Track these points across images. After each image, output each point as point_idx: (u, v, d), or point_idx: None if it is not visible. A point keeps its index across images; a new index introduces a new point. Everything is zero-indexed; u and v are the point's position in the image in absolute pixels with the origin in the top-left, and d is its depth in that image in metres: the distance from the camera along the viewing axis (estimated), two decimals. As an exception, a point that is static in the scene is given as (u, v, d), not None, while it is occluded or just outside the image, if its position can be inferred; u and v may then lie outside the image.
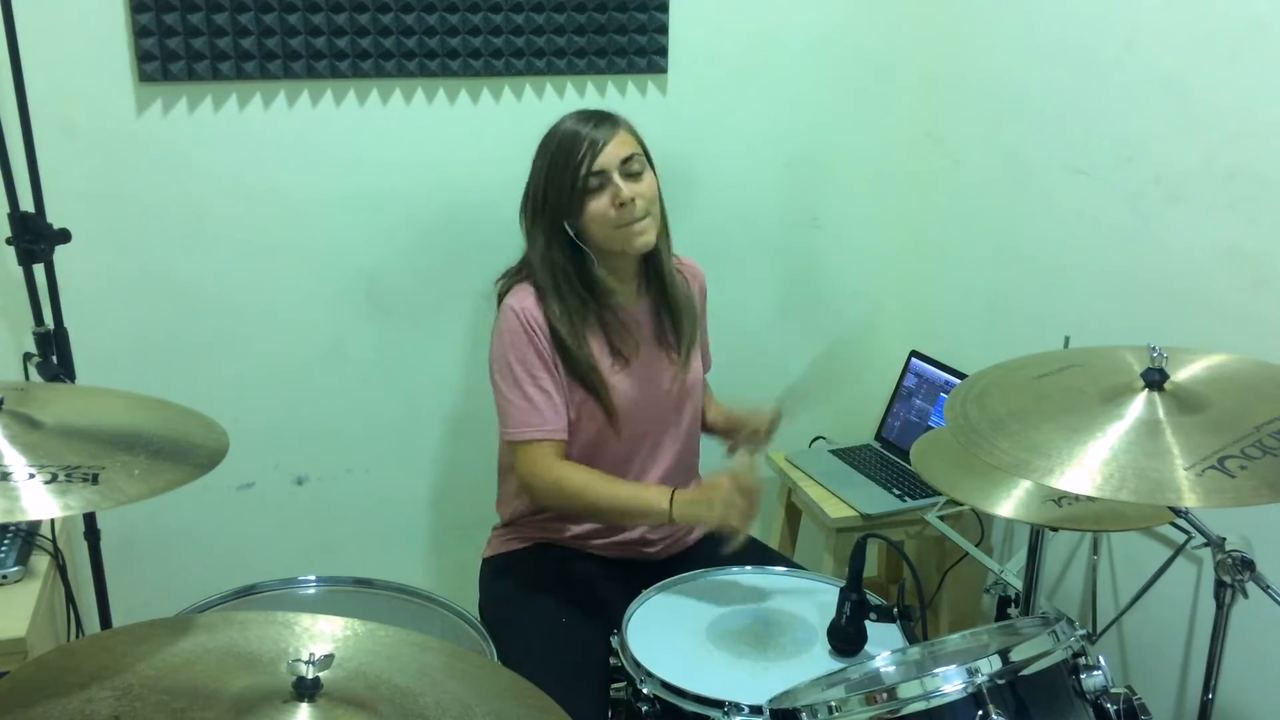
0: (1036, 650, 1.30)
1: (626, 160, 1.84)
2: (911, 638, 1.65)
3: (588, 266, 1.89)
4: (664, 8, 2.47)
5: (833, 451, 2.76)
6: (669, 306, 1.98)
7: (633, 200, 1.82)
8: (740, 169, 2.65)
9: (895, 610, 1.62)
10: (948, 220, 2.75)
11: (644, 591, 1.78)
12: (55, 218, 1.98)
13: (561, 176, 1.83)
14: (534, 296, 1.89)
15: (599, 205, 1.83)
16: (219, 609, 1.72)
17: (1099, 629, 2.29)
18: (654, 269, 1.97)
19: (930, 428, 2.60)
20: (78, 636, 2.05)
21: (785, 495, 2.73)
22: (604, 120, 1.86)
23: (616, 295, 1.94)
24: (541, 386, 1.85)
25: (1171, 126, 2.05)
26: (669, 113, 2.54)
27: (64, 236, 1.99)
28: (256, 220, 2.33)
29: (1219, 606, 1.46)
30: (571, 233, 1.86)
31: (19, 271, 1.97)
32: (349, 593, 1.82)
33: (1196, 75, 1.99)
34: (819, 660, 1.62)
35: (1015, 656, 1.28)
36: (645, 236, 1.87)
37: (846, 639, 1.62)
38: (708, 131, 2.59)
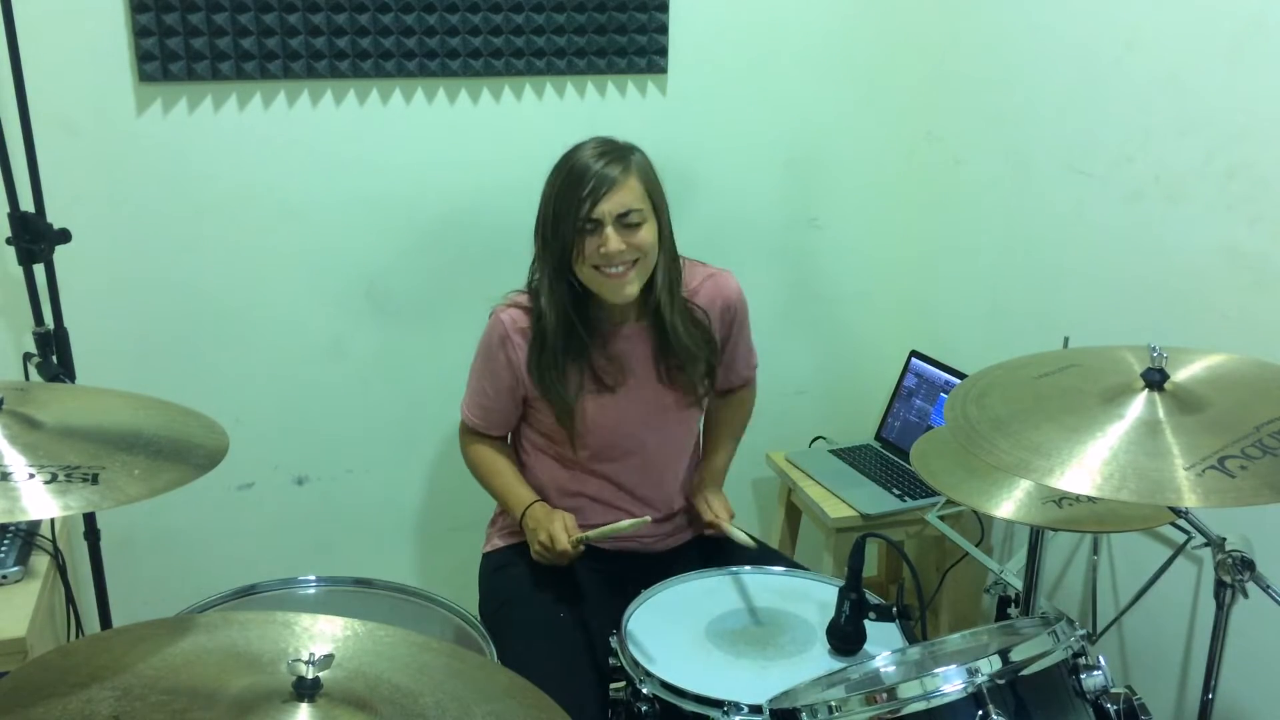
0: (1036, 650, 1.30)
1: (624, 214, 1.81)
2: (911, 638, 1.66)
3: (584, 298, 1.90)
4: (664, 8, 2.47)
5: (833, 451, 2.76)
6: (665, 345, 1.94)
7: (618, 253, 1.81)
8: (740, 169, 2.65)
9: (895, 610, 1.62)
10: (948, 220, 2.75)
11: (644, 591, 1.79)
12: (55, 218, 1.98)
13: (564, 212, 1.82)
14: (524, 310, 1.93)
15: (586, 249, 1.82)
16: (219, 609, 1.72)
17: (1099, 629, 2.29)
18: (653, 306, 1.92)
19: (930, 428, 2.60)
20: (78, 636, 2.05)
21: (785, 495, 2.73)
22: (618, 160, 1.82)
23: (610, 326, 1.94)
24: (486, 390, 1.98)
25: (1171, 126, 2.05)
26: (669, 113, 2.54)
27: (64, 236, 1.99)
28: (256, 220, 2.33)
29: (1219, 606, 1.46)
30: (570, 267, 1.86)
31: (19, 271, 1.97)
32: (349, 593, 1.82)
33: (1196, 75, 1.99)
34: (819, 660, 1.62)
35: (1015, 656, 1.28)
36: (626, 289, 1.85)
37: (846, 639, 1.62)
38: (707, 131, 2.59)
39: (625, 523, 1.82)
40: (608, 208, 1.80)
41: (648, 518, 1.84)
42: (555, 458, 2.01)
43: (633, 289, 1.86)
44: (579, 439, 1.94)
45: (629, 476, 2.01)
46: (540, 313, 1.89)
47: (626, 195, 1.81)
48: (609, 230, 1.80)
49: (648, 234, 1.84)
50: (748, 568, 1.88)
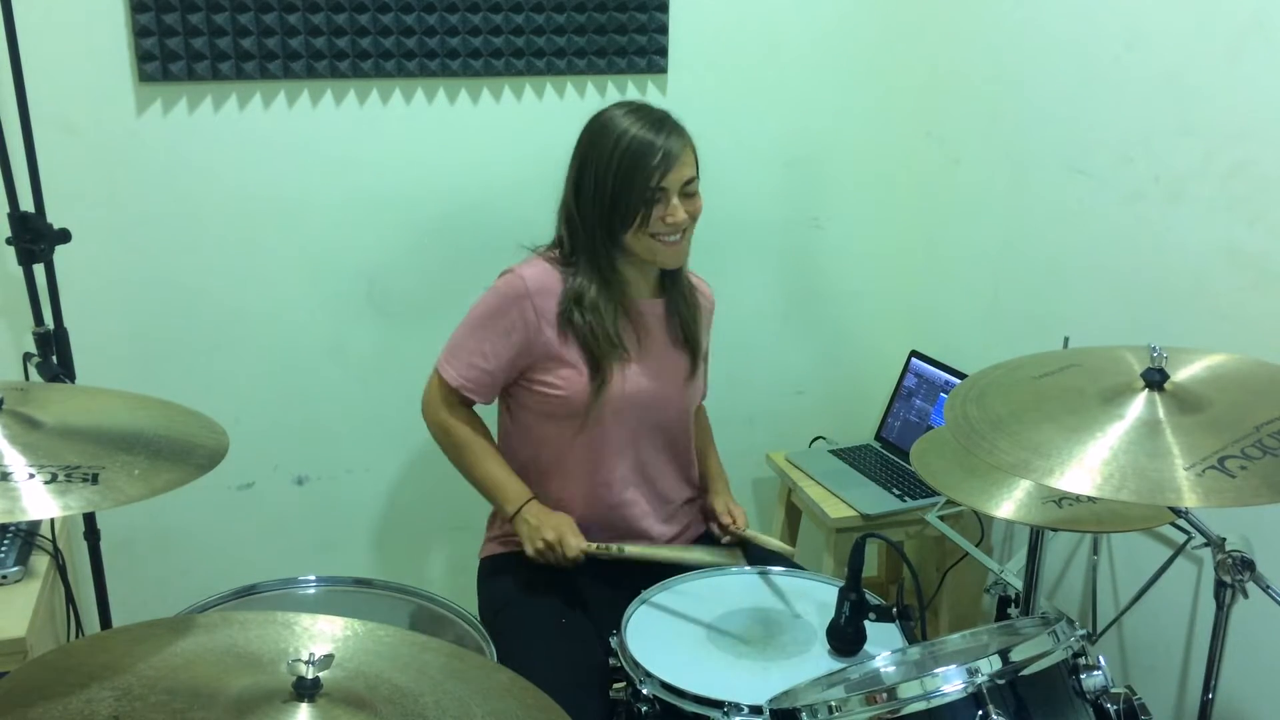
0: (1036, 650, 1.30)
1: (689, 181, 1.88)
2: (911, 638, 1.65)
3: (616, 260, 1.92)
4: (664, 8, 2.47)
5: (833, 451, 2.76)
6: (682, 310, 2.02)
7: (681, 222, 1.87)
8: (740, 169, 2.65)
9: (895, 610, 1.62)
10: (948, 220, 2.75)
11: (644, 591, 1.78)
12: (55, 218, 1.98)
13: (629, 183, 1.84)
14: (549, 269, 1.93)
15: (651, 218, 1.86)
16: (219, 609, 1.72)
17: (1099, 629, 2.29)
18: (672, 274, 2.00)
19: (930, 428, 2.60)
20: (78, 636, 2.05)
21: (785, 495, 2.73)
22: (675, 131, 1.88)
23: (635, 292, 1.97)
24: (485, 350, 1.92)
25: (1171, 126, 2.05)
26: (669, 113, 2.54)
27: (64, 236, 1.99)
28: (256, 220, 2.33)
29: (1219, 606, 1.46)
30: (617, 235, 1.88)
31: (19, 271, 1.97)
32: (349, 593, 1.82)
33: (1196, 75, 1.99)
34: (819, 660, 1.62)
35: (1015, 656, 1.28)
36: (677, 258, 1.93)
37: (846, 639, 1.62)
38: (708, 131, 2.54)
39: (696, 552, 1.89)
40: (674, 178, 1.86)
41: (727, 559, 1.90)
42: (562, 448, 1.97)
43: (682, 258, 1.95)
44: (605, 404, 1.91)
45: (641, 462, 2.00)
46: (580, 276, 1.91)
47: (687, 166, 1.88)
48: (675, 200, 1.86)
49: (700, 201, 1.92)
50: (748, 568, 1.88)
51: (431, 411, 2.01)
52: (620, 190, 1.85)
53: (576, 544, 1.84)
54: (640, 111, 1.89)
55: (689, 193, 1.89)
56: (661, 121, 1.88)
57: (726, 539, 2.05)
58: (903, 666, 1.46)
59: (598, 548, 1.84)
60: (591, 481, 1.98)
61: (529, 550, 1.88)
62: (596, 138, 1.89)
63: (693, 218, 1.90)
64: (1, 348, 2.21)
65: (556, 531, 1.85)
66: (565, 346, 1.91)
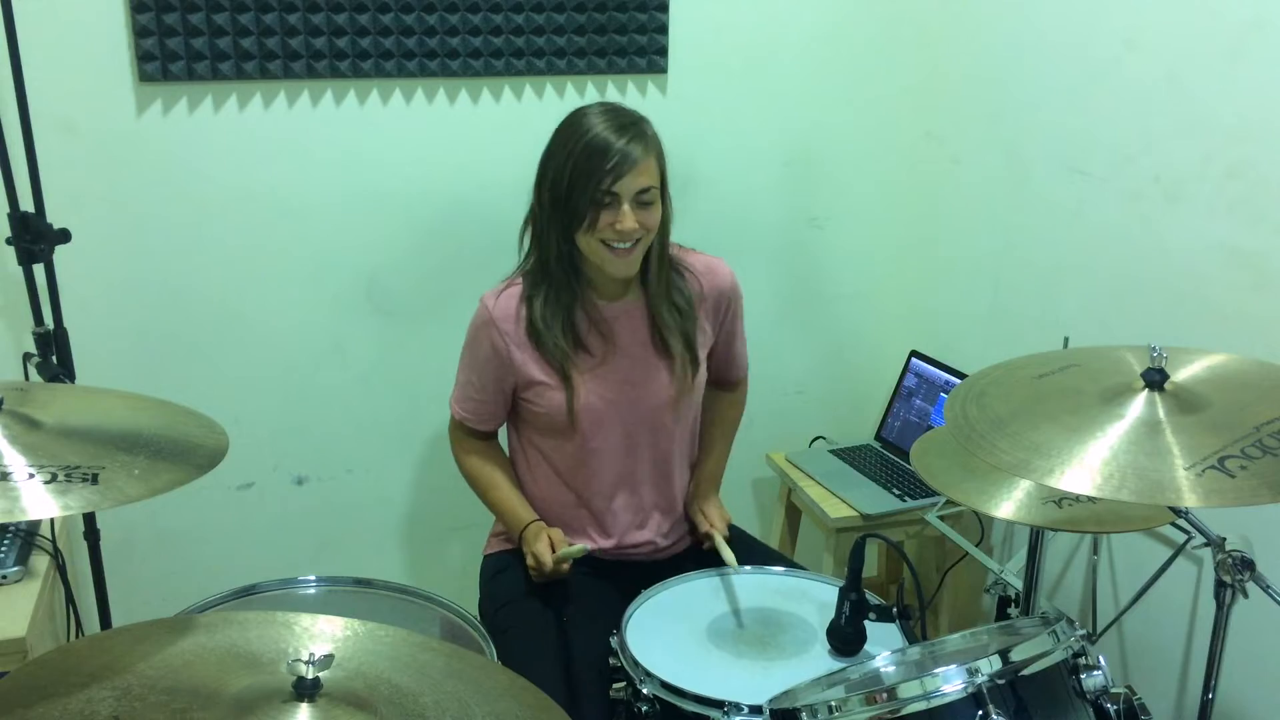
0: (1036, 650, 1.30)
1: (643, 191, 1.82)
2: (911, 638, 1.65)
3: (575, 259, 1.90)
4: (664, 8, 2.47)
5: (833, 451, 2.76)
6: (662, 310, 1.96)
7: (631, 230, 1.82)
8: (740, 169, 2.65)
9: (895, 610, 1.62)
10: (947, 220, 2.75)
11: (644, 591, 1.78)
12: (55, 218, 1.98)
13: (580, 182, 1.80)
14: (514, 291, 1.93)
15: (599, 222, 1.82)
16: (219, 609, 1.72)
17: (1099, 629, 2.29)
18: (643, 277, 1.95)
19: (930, 428, 2.60)
20: (78, 636, 2.05)
21: (785, 495, 2.73)
22: (639, 137, 1.82)
23: (602, 294, 1.94)
24: (474, 381, 1.98)
25: (1171, 126, 2.05)
26: (669, 113, 2.51)
27: (64, 236, 1.99)
28: (256, 220, 2.33)
29: (1219, 606, 1.46)
30: (568, 233, 1.86)
31: (19, 271, 1.97)
32: (349, 593, 1.82)
33: (1196, 75, 1.99)
34: (819, 660, 1.62)
35: (1015, 656, 1.28)
36: (625, 268, 1.87)
37: (846, 639, 1.62)
38: (707, 131, 2.59)
39: (576, 547, 1.87)
40: (628, 185, 1.80)
41: (587, 545, 1.90)
42: (557, 461, 1.99)
43: (635, 267, 1.89)
44: (578, 414, 1.91)
45: (635, 467, 1.99)
46: (536, 284, 1.90)
47: (645, 175, 1.82)
48: (625, 208, 1.81)
49: (657, 213, 1.87)
50: (748, 568, 1.88)
51: (451, 443, 2.09)
52: (573, 188, 1.81)
53: (547, 560, 1.84)
54: (612, 112, 1.85)
55: (644, 202, 1.82)
56: (628, 126, 1.82)
57: (706, 545, 2.00)
58: (903, 666, 1.46)
59: (560, 554, 1.85)
60: (584, 490, 1.99)
61: (536, 576, 1.91)
62: (563, 132, 1.86)
63: (647, 229, 1.83)
64: (1, 348, 2.21)
65: (534, 555, 1.87)
66: (536, 364, 1.91)
